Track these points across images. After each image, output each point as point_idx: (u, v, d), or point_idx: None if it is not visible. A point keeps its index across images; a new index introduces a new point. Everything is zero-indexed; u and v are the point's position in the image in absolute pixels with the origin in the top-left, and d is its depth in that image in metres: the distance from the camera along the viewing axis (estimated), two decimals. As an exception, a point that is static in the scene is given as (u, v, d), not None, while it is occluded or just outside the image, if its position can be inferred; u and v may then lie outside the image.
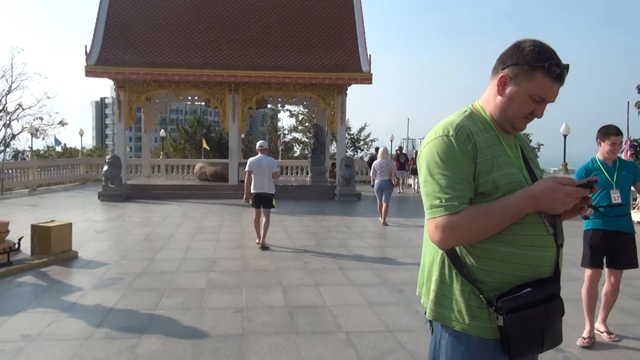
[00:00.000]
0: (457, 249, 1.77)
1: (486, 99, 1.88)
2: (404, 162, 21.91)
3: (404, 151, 24.24)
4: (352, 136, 34.90)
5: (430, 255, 1.88)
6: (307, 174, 22.81)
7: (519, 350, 1.69)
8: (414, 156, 22.82)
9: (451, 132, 1.76)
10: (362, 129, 36.58)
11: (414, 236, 10.51)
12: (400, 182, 20.60)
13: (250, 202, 9.21)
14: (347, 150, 25.97)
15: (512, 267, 1.72)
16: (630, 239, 4.62)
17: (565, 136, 21.93)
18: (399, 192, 20.21)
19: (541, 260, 1.75)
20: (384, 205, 12.20)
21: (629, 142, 15.94)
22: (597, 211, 4.32)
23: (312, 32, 19.46)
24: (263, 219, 9.05)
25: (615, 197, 4.55)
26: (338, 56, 18.80)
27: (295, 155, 36.12)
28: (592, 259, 4.65)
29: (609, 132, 4.61)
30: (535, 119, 1.83)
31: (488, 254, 1.73)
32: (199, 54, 18.40)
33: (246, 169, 9.12)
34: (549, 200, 1.67)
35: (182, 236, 10.01)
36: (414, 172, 21.71)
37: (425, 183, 1.78)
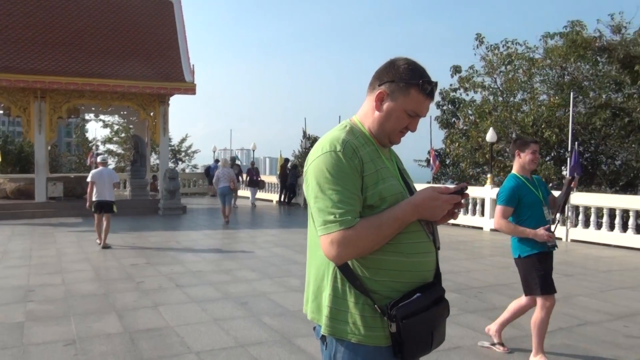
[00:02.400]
0: (350, 262, 1.79)
1: (364, 114, 1.94)
2: (238, 174, 21.18)
3: (236, 162, 23.60)
4: (173, 147, 33.74)
5: (319, 271, 1.88)
6: (126, 187, 21.48)
7: (411, 353, 1.76)
8: (250, 167, 21.93)
9: (338, 148, 1.78)
10: (183, 140, 35.62)
11: (247, 247, 10.50)
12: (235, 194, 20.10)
13: (92, 208, 10.46)
14: (169, 162, 25.07)
15: (402, 275, 1.80)
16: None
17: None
18: (234, 206, 19.64)
19: (426, 265, 1.86)
20: (227, 207, 14.43)
21: (433, 153, 17.87)
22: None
23: (132, 39, 18.41)
24: (104, 223, 10.30)
25: (547, 213, 4.35)
26: (160, 65, 18.06)
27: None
28: (552, 284, 4.29)
29: (528, 141, 4.44)
30: (409, 132, 1.95)
31: (379, 264, 1.79)
32: (-4, 56, 16.26)
33: (88, 179, 10.46)
34: (430, 208, 1.78)
35: (-15, 264, 8.71)
36: (251, 184, 21.05)
37: (316, 199, 1.77)
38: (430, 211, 1.78)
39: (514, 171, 4.48)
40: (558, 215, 4.69)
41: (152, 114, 18.22)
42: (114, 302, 6.24)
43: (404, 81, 1.83)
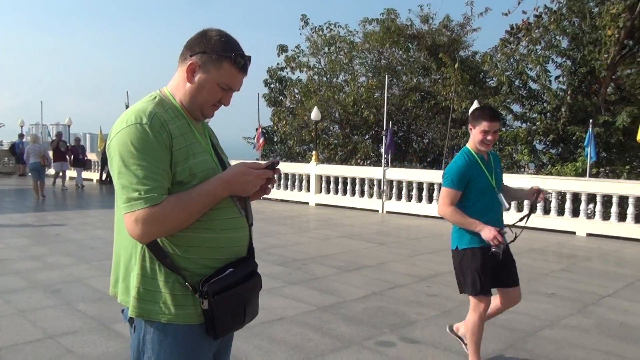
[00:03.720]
0: (159, 240, 1.73)
1: (175, 85, 1.86)
2: (65, 152, 18.31)
3: (62, 138, 20.51)
4: (-32, 121, 29.54)
5: (127, 250, 1.79)
6: None
7: (223, 328, 1.77)
8: (75, 145, 19.42)
9: (145, 120, 1.69)
10: (-19, 113, 31.37)
11: (62, 230, 9.66)
12: (62, 174, 18.04)
13: None
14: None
15: (214, 251, 1.78)
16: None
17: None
18: (64, 188, 17.68)
19: (238, 241, 1.86)
20: (39, 182, 14.53)
21: (260, 130, 18.03)
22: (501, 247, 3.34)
23: None
24: None
25: (504, 202, 3.62)
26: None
27: None
28: (486, 283, 3.55)
29: (481, 116, 3.51)
30: (223, 106, 1.92)
31: (190, 241, 1.75)
32: None
33: None
34: (242, 183, 1.78)
35: None
36: (76, 163, 18.65)
37: (119, 175, 1.67)
38: (241, 186, 1.78)
39: (468, 145, 3.64)
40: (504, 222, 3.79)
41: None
42: None
43: (216, 53, 1.78)
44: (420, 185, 12.96)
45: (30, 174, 15.13)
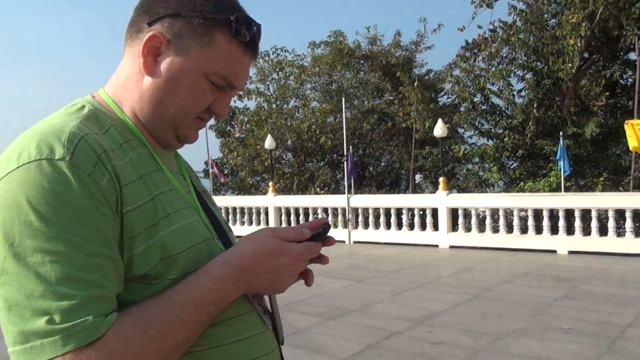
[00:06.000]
0: None
1: (122, 84, 0.91)
2: None
3: None
4: None
5: None
6: None
7: None
8: None
9: (61, 152, 0.74)
10: None
11: None
12: None
13: None
14: None
15: None
16: None
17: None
18: None
19: None
20: None
21: (214, 163, 16.96)
22: None
23: None
24: None
25: None
26: None
27: None
28: None
29: None
30: (213, 122, 0.99)
31: None
32: None
33: None
34: (270, 271, 0.85)
35: None
36: None
37: (3, 277, 0.71)
38: (269, 277, 0.85)
39: None
40: None
41: None
42: None
43: (201, 15, 0.86)
44: (387, 211, 12.22)
45: None
